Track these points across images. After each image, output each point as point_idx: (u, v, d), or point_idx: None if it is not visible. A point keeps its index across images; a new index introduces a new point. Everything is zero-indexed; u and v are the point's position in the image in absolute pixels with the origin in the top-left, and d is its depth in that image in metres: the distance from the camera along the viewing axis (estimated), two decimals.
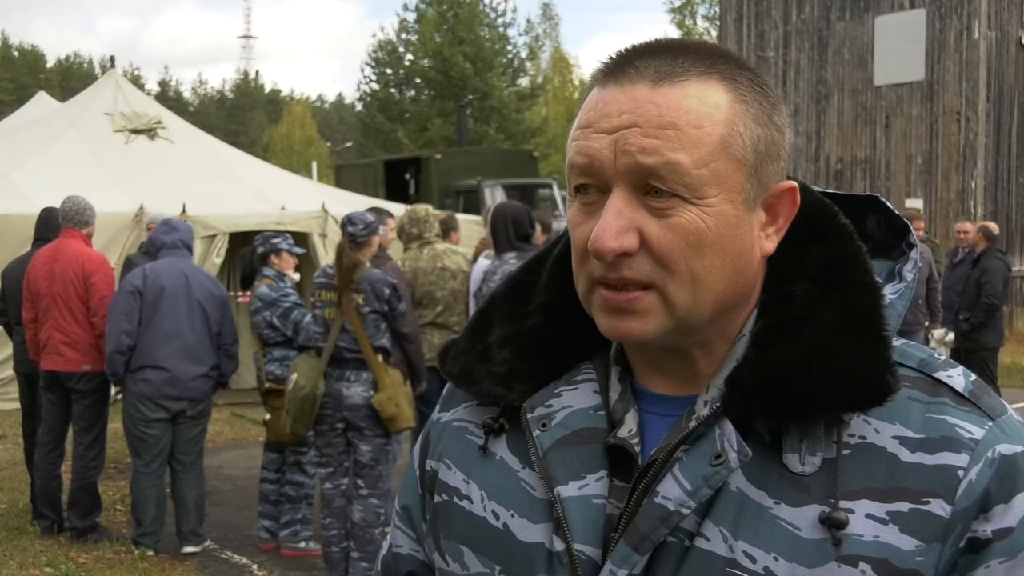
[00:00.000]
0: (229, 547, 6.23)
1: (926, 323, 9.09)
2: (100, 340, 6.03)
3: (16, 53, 69.89)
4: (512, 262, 5.91)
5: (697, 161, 0.92)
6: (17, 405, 7.49)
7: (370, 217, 5.61)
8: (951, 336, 9.28)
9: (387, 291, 5.35)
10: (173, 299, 5.79)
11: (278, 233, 6.44)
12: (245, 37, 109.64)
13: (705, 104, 0.93)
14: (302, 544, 6.06)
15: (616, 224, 0.92)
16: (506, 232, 6.04)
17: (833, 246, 1.00)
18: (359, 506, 5.41)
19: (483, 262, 6.59)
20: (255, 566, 5.95)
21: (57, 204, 6.54)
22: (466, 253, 6.91)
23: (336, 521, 5.50)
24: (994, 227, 9.77)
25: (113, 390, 6.39)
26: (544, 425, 1.03)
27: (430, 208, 7.14)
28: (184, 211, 9.91)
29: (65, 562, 5.83)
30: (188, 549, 6.03)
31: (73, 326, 6.07)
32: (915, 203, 17.53)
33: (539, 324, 1.09)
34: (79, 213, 6.21)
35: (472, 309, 6.40)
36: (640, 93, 0.93)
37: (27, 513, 6.68)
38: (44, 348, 6.15)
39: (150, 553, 5.94)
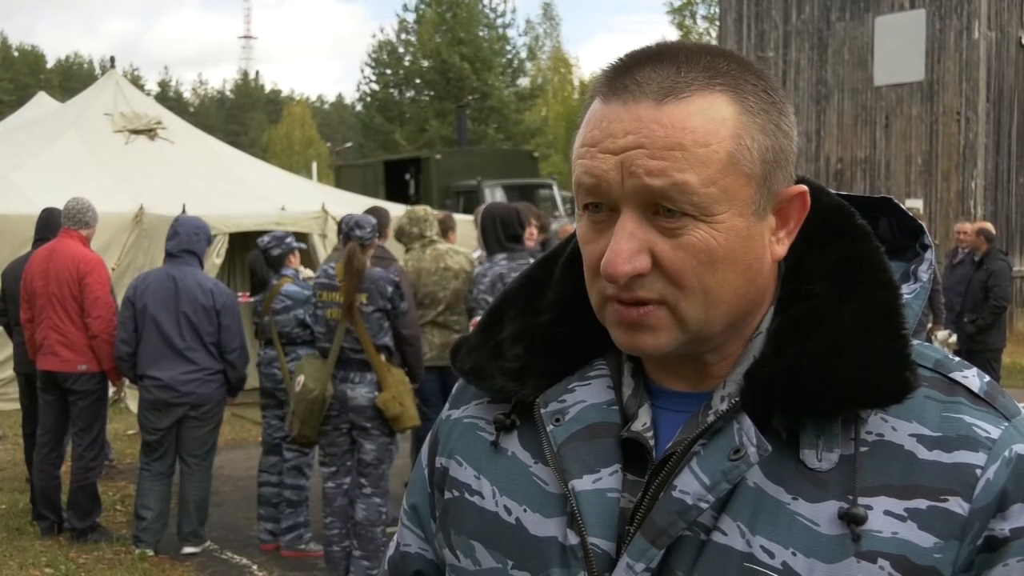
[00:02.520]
0: (229, 547, 6.22)
1: (928, 324, 9.08)
2: (94, 341, 6.03)
3: (16, 53, 69.91)
4: (502, 263, 5.92)
5: (705, 180, 0.91)
6: (17, 405, 7.48)
7: (372, 219, 5.64)
8: (954, 338, 9.29)
9: (390, 289, 5.37)
10: (155, 313, 5.82)
11: (285, 233, 6.45)
12: (245, 37, 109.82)
13: (711, 120, 0.92)
14: (302, 546, 6.05)
15: (628, 247, 0.92)
16: (495, 233, 6.04)
17: (851, 246, 1.00)
18: (362, 505, 5.42)
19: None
20: (255, 566, 5.94)
21: (57, 204, 6.55)
22: (468, 253, 6.90)
23: (337, 520, 5.50)
24: (992, 228, 9.77)
25: (111, 390, 6.39)
26: (558, 420, 1.03)
27: (428, 208, 7.15)
28: (184, 211, 9.90)
29: (65, 562, 5.82)
30: (188, 549, 6.02)
31: (69, 326, 6.06)
32: (915, 203, 17.55)
33: (552, 321, 1.09)
34: (80, 214, 6.21)
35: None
36: (644, 112, 0.92)
37: (27, 513, 6.67)
38: (40, 348, 6.15)
39: (150, 553, 5.94)
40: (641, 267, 0.92)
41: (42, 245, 6.44)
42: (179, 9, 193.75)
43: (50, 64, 74.40)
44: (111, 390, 6.42)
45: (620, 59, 0.98)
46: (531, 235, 6.53)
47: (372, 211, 6.28)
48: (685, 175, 0.91)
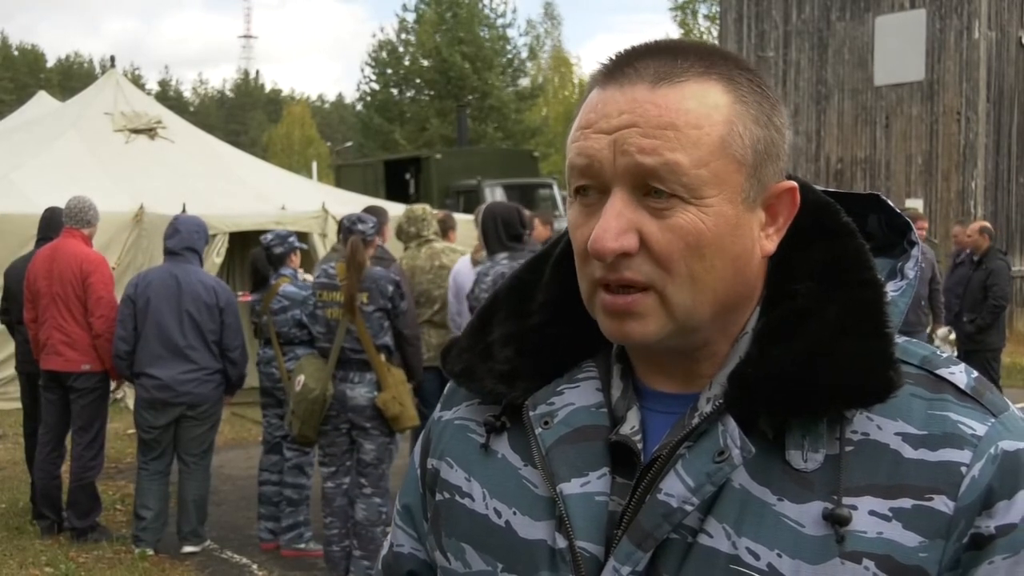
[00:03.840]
0: (229, 547, 6.22)
1: (929, 324, 9.06)
2: (97, 340, 6.04)
3: (16, 53, 69.89)
4: (504, 263, 5.89)
5: (696, 161, 0.92)
6: (18, 405, 7.48)
7: (373, 217, 5.64)
8: (954, 335, 9.27)
9: (391, 288, 5.36)
10: (159, 310, 5.81)
11: (287, 232, 6.44)
12: (245, 37, 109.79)
13: (704, 104, 0.93)
14: (301, 545, 6.05)
15: (616, 225, 0.92)
16: (496, 233, 6.01)
17: (836, 244, 1.00)
18: (362, 505, 5.41)
19: (464, 264, 6.53)
20: (255, 566, 5.95)
21: (58, 203, 6.54)
22: (466, 252, 6.89)
23: (337, 520, 5.50)
24: (990, 226, 9.77)
25: (112, 387, 6.39)
26: (546, 423, 1.03)
27: (427, 207, 7.14)
28: (184, 211, 9.90)
29: (65, 562, 5.82)
30: (187, 549, 6.03)
31: (72, 326, 6.06)
32: (915, 203, 17.52)
33: (541, 323, 1.09)
34: (82, 212, 6.21)
35: (461, 311, 6.37)
36: (639, 93, 0.93)
37: (27, 513, 6.67)
38: (44, 348, 6.15)
39: (150, 552, 5.94)
40: (628, 245, 0.92)
41: (45, 244, 6.45)
42: (180, 9, 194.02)
43: (50, 63, 74.40)
44: (112, 386, 6.42)
45: (618, 52, 0.99)
46: (546, 236, 6.52)
47: (370, 210, 6.27)
48: (676, 155, 0.91)
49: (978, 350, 9.08)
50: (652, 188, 0.92)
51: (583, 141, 0.95)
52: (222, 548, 6.19)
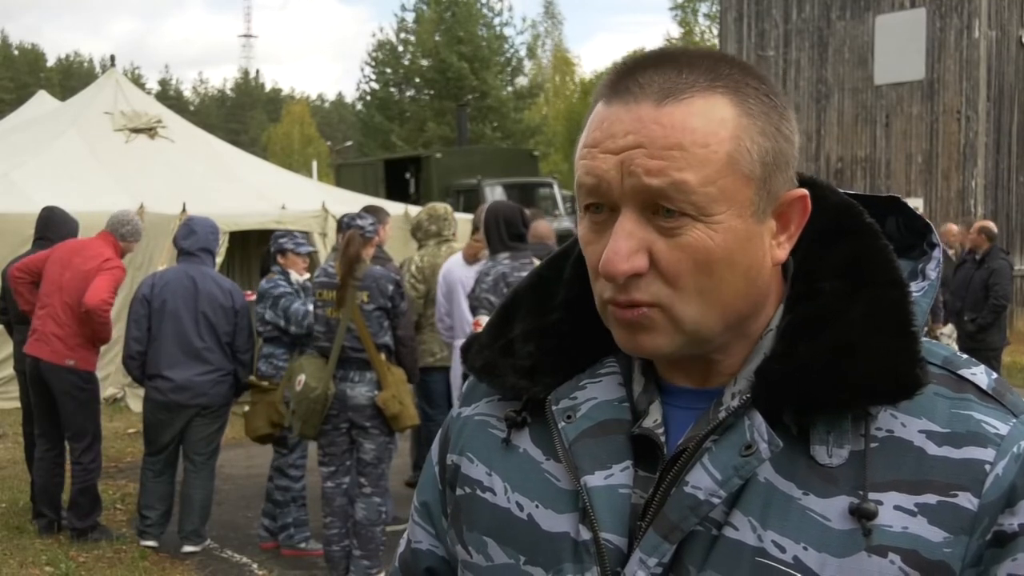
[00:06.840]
0: (229, 546, 6.21)
1: (927, 324, 9.03)
2: (87, 332, 6.00)
3: (16, 52, 69.90)
4: (505, 262, 5.87)
5: (704, 180, 0.92)
6: (18, 404, 7.47)
7: (370, 215, 5.63)
8: (953, 332, 9.26)
9: (391, 287, 5.35)
10: (175, 311, 5.80)
11: (288, 233, 6.42)
12: (245, 36, 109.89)
13: (711, 121, 0.93)
14: (302, 544, 6.04)
15: (626, 246, 0.93)
16: (498, 232, 5.99)
17: (860, 244, 1.01)
18: (362, 504, 5.40)
19: (455, 262, 6.49)
20: (255, 565, 5.94)
21: (57, 203, 6.52)
22: (483, 252, 6.87)
23: (337, 520, 5.49)
24: (993, 226, 9.75)
25: (111, 390, 6.37)
26: (569, 417, 1.04)
27: (448, 207, 7.12)
28: (184, 210, 9.90)
29: (65, 561, 5.81)
30: (188, 548, 6.01)
31: (69, 319, 6.01)
32: (915, 202, 17.53)
33: (562, 319, 1.10)
34: (119, 225, 6.22)
35: (463, 311, 6.34)
36: (645, 112, 0.93)
37: (27, 512, 6.66)
38: (34, 333, 6.08)
39: (152, 544, 5.95)
40: (639, 266, 0.93)
41: (43, 244, 6.42)
42: (181, 9, 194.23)
43: (50, 63, 74.41)
44: (110, 390, 6.39)
45: (623, 63, 1.00)
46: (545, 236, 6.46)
47: (369, 210, 6.25)
48: (684, 174, 0.91)
49: (979, 349, 9.07)
50: (661, 207, 0.93)
51: (590, 161, 0.96)
52: (222, 547, 6.18)
